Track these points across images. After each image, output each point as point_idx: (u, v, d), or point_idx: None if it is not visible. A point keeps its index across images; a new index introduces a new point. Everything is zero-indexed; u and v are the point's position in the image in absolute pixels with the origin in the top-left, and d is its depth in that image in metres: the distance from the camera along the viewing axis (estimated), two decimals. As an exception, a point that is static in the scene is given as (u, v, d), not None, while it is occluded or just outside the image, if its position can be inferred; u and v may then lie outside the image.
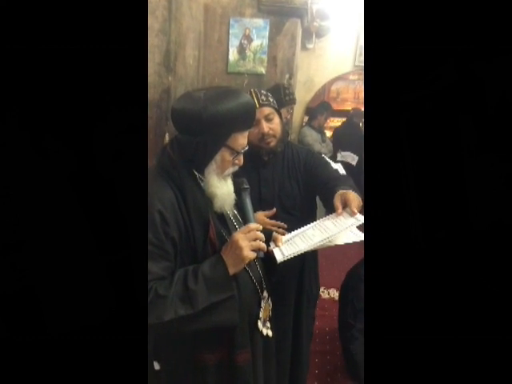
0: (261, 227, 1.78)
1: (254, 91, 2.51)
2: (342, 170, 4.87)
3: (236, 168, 1.86)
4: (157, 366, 1.88)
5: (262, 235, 1.76)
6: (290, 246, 1.92)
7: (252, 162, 2.56)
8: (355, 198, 1.95)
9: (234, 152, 1.78)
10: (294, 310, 2.71)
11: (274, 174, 2.61)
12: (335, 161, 6.39)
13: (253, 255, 1.71)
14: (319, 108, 7.22)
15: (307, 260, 2.62)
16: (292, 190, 2.58)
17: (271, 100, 2.53)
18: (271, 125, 2.50)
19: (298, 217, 2.48)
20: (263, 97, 2.50)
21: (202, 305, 1.61)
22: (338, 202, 1.97)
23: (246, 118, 1.77)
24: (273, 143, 2.53)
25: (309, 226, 2.04)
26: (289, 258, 1.83)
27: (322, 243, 1.83)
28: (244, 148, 1.82)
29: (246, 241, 1.70)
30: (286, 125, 3.39)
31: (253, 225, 1.78)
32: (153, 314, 1.57)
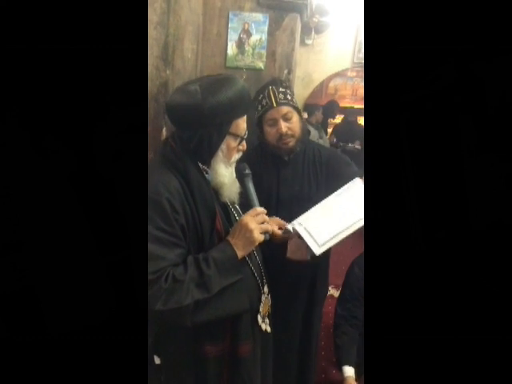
0: (266, 211, 1.80)
1: (272, 89, 2.46)
2: None
3: (241, 154, 1.89)
4: (157, 360, 1.90)
5: (268, 218, 1.82)
6: (319, 227, 1.92)
7: (272, 161, 2.55)
8: None
9: (238, 138, 1.80)
10: (305, 308, 2.70)
11: (294, 175, 2.58)
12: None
13: (262, 238, 1.76)
14: (328, 107, 7.30)
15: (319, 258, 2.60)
16: (311, 191, 2.55)
17: (289, 98, 2.48)
18: (289, 124, 2.45)
19: None
20: (281, 95, 2.44)
21: (216, 288, 1.64)
22: None
23: (244, 103, 1.79)
24: (291, 143, 2.48)
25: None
26: (326, 247, 1.86)
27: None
28: (246, 132, 1.83)
29: (255, 223, 1.74)
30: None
31: (260, 208, 1.83)
32: (171, 299, 1.58)
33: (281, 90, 2.48)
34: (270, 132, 2.47)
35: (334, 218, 1.94)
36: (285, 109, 2.43)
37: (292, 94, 2.52)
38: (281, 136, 2.44)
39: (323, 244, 1.86)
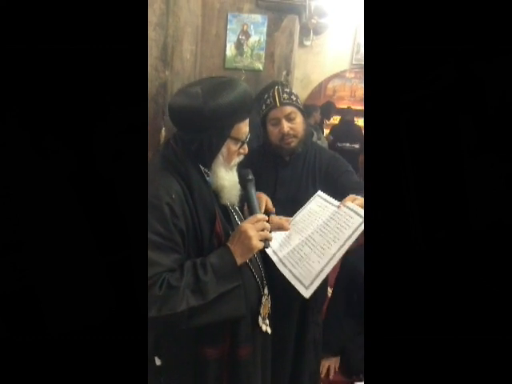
0: (267, 218, 1.79)
1: (277, 89, 2.48)
2: None
3: (241, 157, 1.88)
4: (158, 361, 1.89)
5: (268, 225, 1.79)
6: (303, 267, 1.87)
7: (273, 161, 2.55)
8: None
9: (239, 141, 1.80)
10: (298, 316, 2.67)
11: (292, 175, 2.57)
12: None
13: (261, 245, 1.74)
14: (324, 108, 7.33)
15: None
16: (308, 194, 2.47)
17: (294, 99, 2.48)
18: (292, 124, 2.46)
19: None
20: (285, 95, 2.46)
21: (212, 295, 1.63)
22: (348, 200, 1.97)
23: (246, 107, 1.78)
24: (293, 143, 2.49)
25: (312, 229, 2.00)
26: (314, 288, 1.81)
27: (337, 255, 1.82)
28: (247, 136, 1.83)
29: (255, 230, 1.73)
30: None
31: (260, 215, 1.81)
32: (166, 305, 1.57)
33: (286, 90, 2.49)
34: (273, 131, 2.48)
35: (318, 252, 1.89)
36: (288, 109, 2.44)
37: (297, 96, 2.52)
38: (283, 136, 2.45)
39: (310, 285, 1.83)
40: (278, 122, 2.45)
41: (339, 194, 2.22)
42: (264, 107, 2.49)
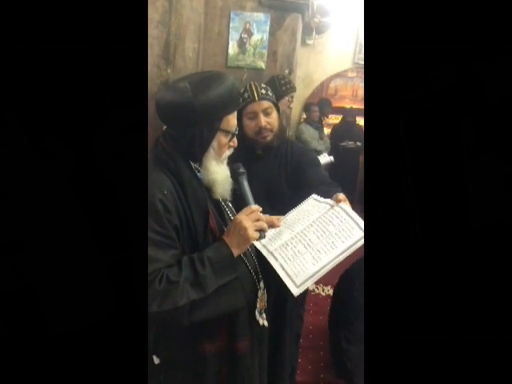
0: (261, 208, 1.80)
1: (254, 84, 2.51)
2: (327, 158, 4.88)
3: (232, 151, 1.88)
4: (156, 360, 1.89)
5: (263, 216, 1.80)
6: (296, 265, 1.87)
7: (246, 155, 2.56)
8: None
9: (229, 134, 1.80)
10: (274, 310, 2.66)
11: (264, 169, 2.60)
12: (335, 152, 6.55)
13: (257, 235, 1.74)
14: (319, 104, 7.28)
15: None
16: (280, 186, 2.58)
17: (270, 94, 2.53)
18: (269, 119, 2.50)
19: (283, 214, 2.43)
20: (263, 90, 2.49)
21: (212, 288, 1.63)
22: (341, 200, 1.97)
23: (235, 99, 1.80)
24: (269, 137, 2.52)
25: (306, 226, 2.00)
26: (304, 287, 1.81)
27: (333, 262, 1.82)
28: (236, 128, 1.83)
29: (250, 221, 1.73)
30: (286, 117, 3.35)
31: (254, 206, 1.80)
32: (166, 300, 1.57)
33: (262, 85, 2.54)
34: (250, 125, 2.51)
35: (314, 253, 1.89)
36: (265, 103, 2.49)
37: (273, 92, 2.58)
38: (260, 130, 2.49)
39: (301, 284, 1.83)
40: (255, 116, 2.49)
41: (307, 185, 2.31)
42: (241, 101, 2.51)
